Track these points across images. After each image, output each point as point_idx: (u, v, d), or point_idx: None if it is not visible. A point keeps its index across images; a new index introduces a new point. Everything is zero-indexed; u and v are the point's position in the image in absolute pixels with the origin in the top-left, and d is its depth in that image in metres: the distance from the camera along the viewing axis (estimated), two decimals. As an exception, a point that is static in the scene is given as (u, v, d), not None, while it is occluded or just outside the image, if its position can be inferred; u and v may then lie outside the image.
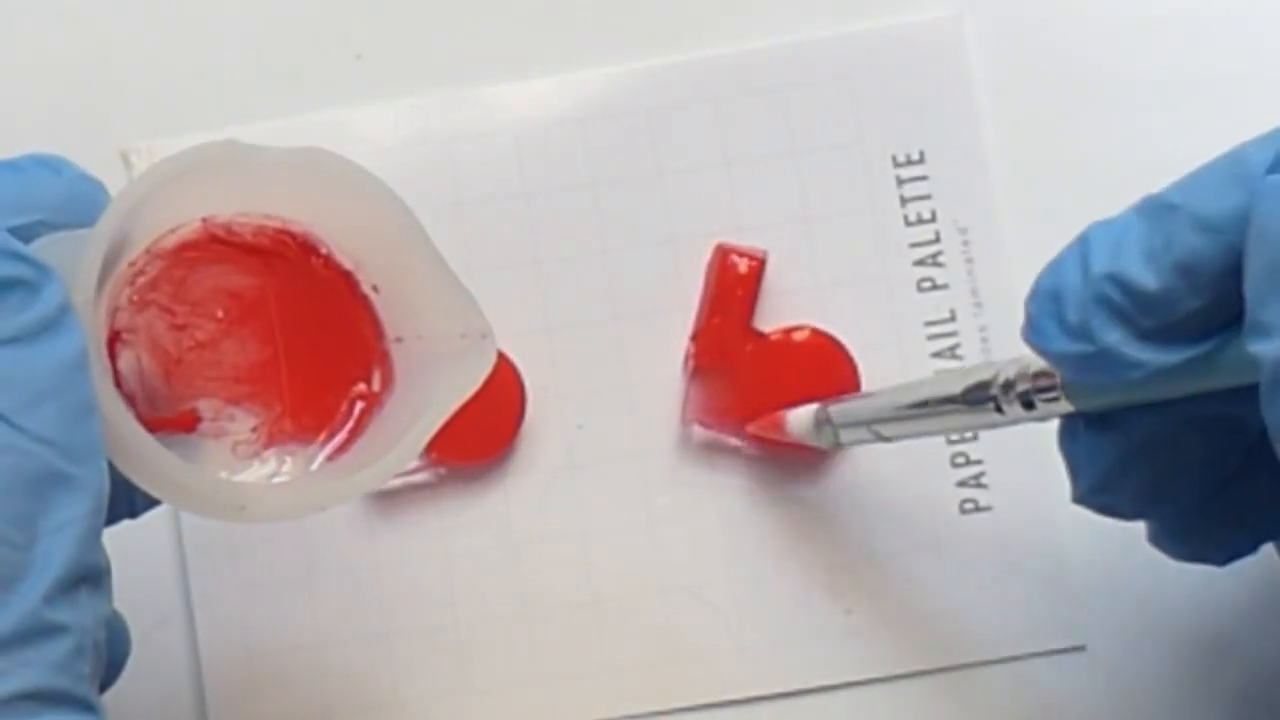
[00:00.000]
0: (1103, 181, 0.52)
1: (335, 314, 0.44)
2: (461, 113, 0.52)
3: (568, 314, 0.52)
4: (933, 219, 0.52)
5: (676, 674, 0.51)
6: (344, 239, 0.43)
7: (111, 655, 0.41)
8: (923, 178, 0.52)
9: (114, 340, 0.42)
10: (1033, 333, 0.40)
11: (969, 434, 0.51)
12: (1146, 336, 0.38)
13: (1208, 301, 0.37)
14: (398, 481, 0.51)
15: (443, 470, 0.51)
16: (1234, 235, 0.37)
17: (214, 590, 0.50)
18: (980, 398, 0.43)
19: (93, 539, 0.37)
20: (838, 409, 0.48)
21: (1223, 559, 0.44)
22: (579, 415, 0.52)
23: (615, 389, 0.52)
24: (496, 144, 0.52)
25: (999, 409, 0.43)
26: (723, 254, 0.51)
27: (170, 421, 0.43)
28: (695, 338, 0.51)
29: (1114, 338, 0.38)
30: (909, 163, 0.52)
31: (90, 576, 0.36)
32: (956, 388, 0.44)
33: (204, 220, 0.43)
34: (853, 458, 0.51)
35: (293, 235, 0.44)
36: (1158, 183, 0.41)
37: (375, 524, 0.51)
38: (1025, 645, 0.51)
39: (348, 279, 0.44)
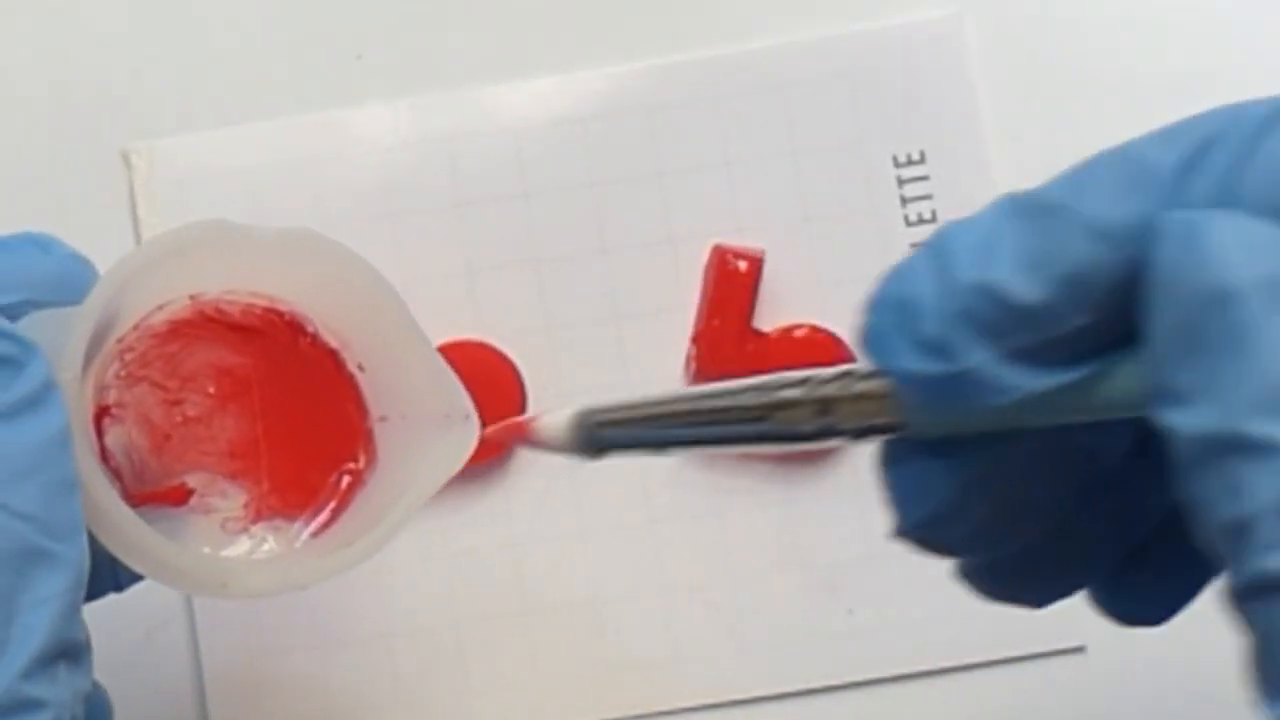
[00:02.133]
0: (1103, 181, 0.52)
1: (322, 392, 0.44)
2: (461, 113, 0.52)
3: (568, 314, 0.52)
4: (933, 219, 0.52)
5: (676, 674, 0.51)
6: (330, 318, 0.44)
7: None
8: (923, 178, 0.52)
9: (102, 415, 0.43)
10: (876, 348, 0.34)
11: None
12: (1018, 357, 0.33)
13: (1095, 319, 0.33)
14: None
15: (443, 470, 0.51)
16: (1131, 248, 0.32)
17: (214, 590, 0.50)
18: (787, 419, 0.36)
19: (72, 614, 0.37)
20: (605, 418, 0.37)
21: (1040, 601, 0.39)
22: (579, 415, 0.52)
23: (615, 389, 0.52)
24: (496, 144, 0.52)
25: (833, 434, 0.35)
26: (720, 255, 0.51)
27: (159, 495, 0.43)
28: (695, 339, 0.51)
29: (980, 357, 0.33)
30: (909, 163, 0.52)
31: (69, 652, 0.37)
32: (757, 402, 0.36)
33: (192, 298, 0.44)
34: (852, 457, 0.51)
35: (280, 314, 0.44)
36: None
37: (375, 524, 0.51)
38: (1025, 645, 0.51)
39: (334, 357, 0.44)
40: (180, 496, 0.44)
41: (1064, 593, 0.39)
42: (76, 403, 0.38)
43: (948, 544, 0.37)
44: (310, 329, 0.44)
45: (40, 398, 0.37)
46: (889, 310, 0.34)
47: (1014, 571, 0.38)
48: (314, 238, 0.43)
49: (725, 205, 0.52)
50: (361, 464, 0.44)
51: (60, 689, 0.36)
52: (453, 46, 0.53)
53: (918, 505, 0.36)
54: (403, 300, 0.43)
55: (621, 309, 0.52)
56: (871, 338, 0.34)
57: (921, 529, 0.36)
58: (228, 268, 0.43)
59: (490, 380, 0.50)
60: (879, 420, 0.35)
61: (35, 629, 0.36)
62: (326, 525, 0.43)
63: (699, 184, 0.52)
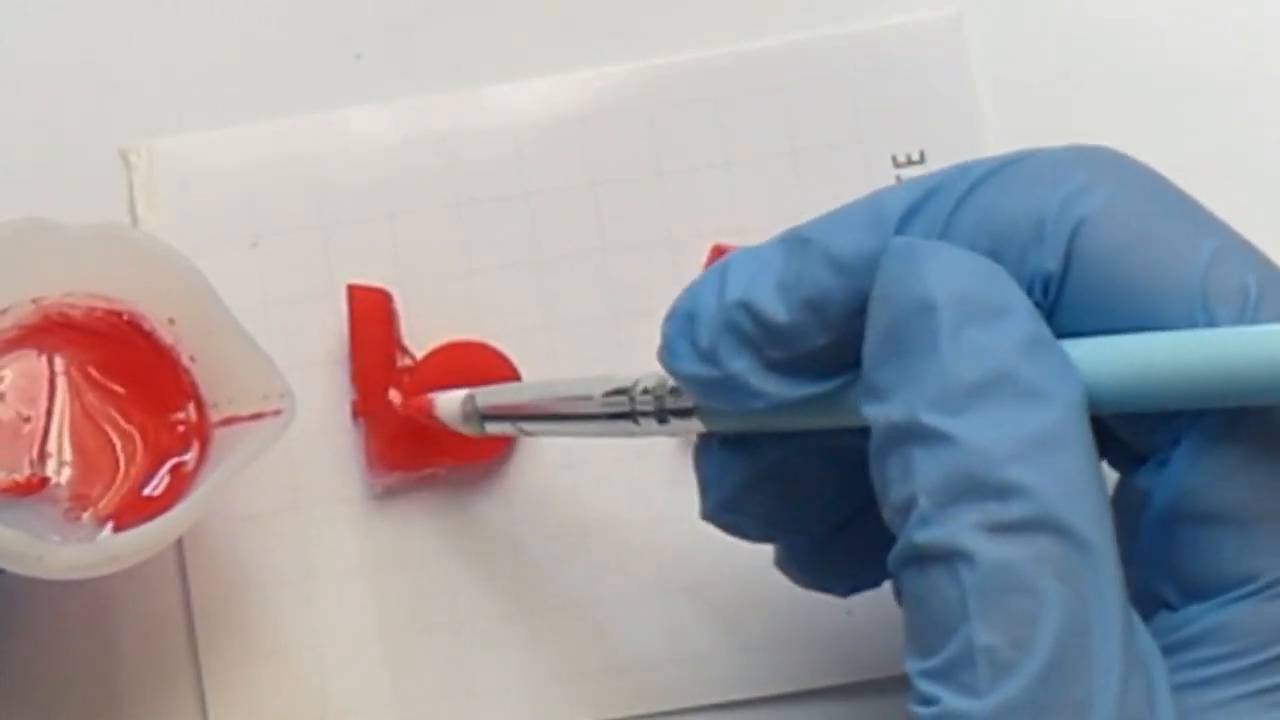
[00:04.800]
0: (1103, 181, 0.52)
1: (161, 387, 0.47)
2: (461, 113, 0.52)
3: (568, 314, 0.52)
4: (933, 219, 0.52)
5: (676, 674, 0.51)
6: (159, 312, 0.46)
7: None
8: (923, 178, 0.52)
9: None
10: (666, 352, 0.40)
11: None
12: (772, 368, 0.38)
13: (834, 339, 0.38)
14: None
15: (443, 470, 0.51)
16: (863, 278, 0.37)
17: (213, 591, 0.50)
18: (617, 406, 0.43)
19: None
20: (485, 399, 0.47)
21: (845, 590, 0.44)
22: (579, 415, 0.52)
23: (615, 389, 0.52)
24: (496, 144, 0.52)
25: (635, 420, 0.42)
26: (720, 255, 0.51)
27: (14, 486, 0.46)
28: (695, 338, 0.51)
29: (740, 366, 0.38)
30: (909, 163, 0.52)
31: None
32: (596, 392, 0.43)
33: (35, 301, 0.46)
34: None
35: (119, 314, 0.46)
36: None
37: (375, 524, 0.51)
38: (1025, 645, 0.51)
39: (171, 353, 0.47)
40: (36, 485, 0.46)
41: (865, 585, 0.43)
42: None
43: (743, 529, 0.43)
44: (147, 327, 0.46)
45: None
46: (679, 320, 0.40)
47: (814, 560, 0.43)
48: (125, 230, 0.46)
49: (725, 205, 0.52)
50: (197, 454, 0.47)
51: None
52: (453, 46, 0.53)
53: (716, 491, 0.42)
54: (213, 287, 0.45)
55: (621, 309, 0.52)
56: (664, 344, 0.40)
57: (720, 512, 0.42)
58: (56, 268, 0.45)
59: (490, 380, 0.50)
60: (682, 413, 0.41)
61: None
62: (160, 513, 0.45)
63: (699, 184, 0.52)
